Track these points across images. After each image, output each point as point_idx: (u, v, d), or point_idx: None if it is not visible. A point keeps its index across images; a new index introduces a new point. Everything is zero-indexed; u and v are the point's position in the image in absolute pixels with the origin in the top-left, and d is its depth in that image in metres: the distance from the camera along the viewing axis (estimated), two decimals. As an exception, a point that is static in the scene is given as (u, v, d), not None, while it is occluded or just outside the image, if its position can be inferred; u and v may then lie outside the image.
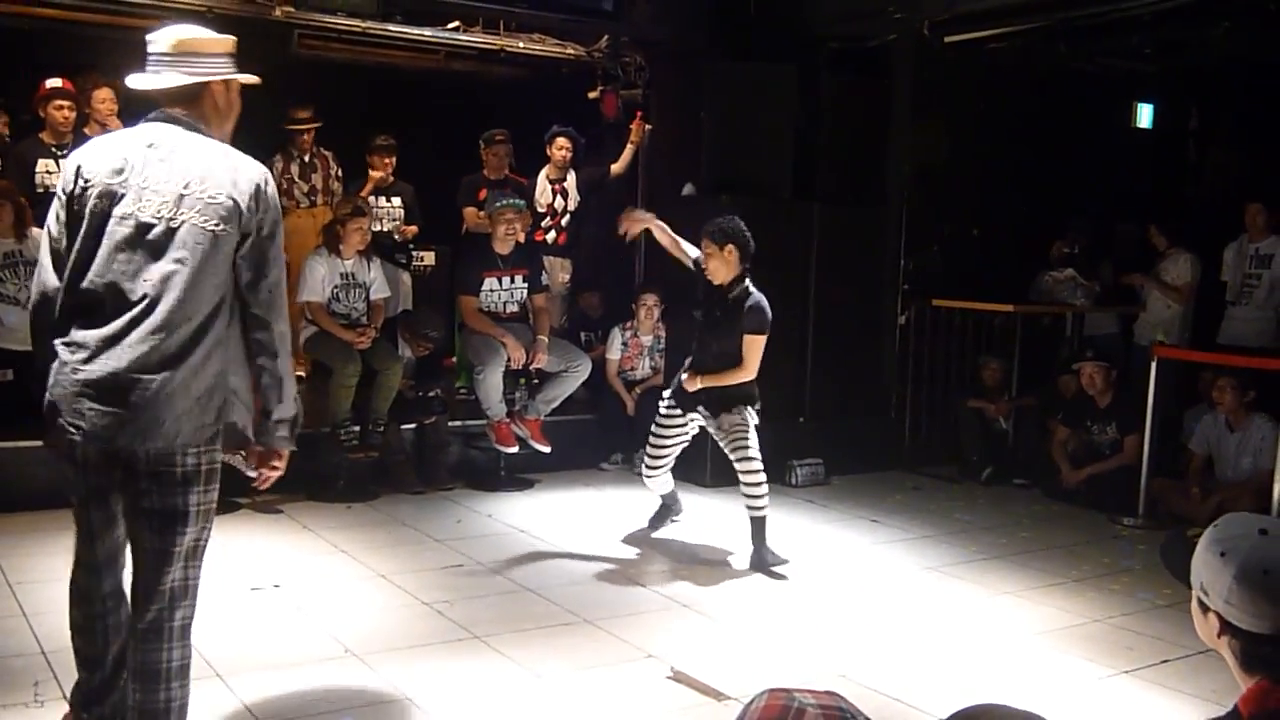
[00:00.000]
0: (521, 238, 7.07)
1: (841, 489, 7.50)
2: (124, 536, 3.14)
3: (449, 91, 9.32)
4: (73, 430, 2.92)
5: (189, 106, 3.04)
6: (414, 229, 8.11)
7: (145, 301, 2.88)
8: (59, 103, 7.05)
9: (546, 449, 7.01)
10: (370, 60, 8.93)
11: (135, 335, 2.87)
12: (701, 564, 5.66)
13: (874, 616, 4.97)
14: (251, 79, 3.17)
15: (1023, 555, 6.05)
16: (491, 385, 6.77)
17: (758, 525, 5.65)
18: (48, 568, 5.11)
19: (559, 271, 8.15)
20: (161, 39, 3.04)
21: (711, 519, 6.44)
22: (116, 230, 2.90)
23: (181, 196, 2.91)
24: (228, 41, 3.11)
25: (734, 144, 7.54)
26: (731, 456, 5.63)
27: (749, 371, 5.55)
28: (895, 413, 8.42)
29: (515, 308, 7.09)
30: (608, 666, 4.23)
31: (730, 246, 5.44)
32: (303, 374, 7.07)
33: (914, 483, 7.82)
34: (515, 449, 6.95)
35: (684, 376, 5.67)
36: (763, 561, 5.58)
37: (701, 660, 4.27)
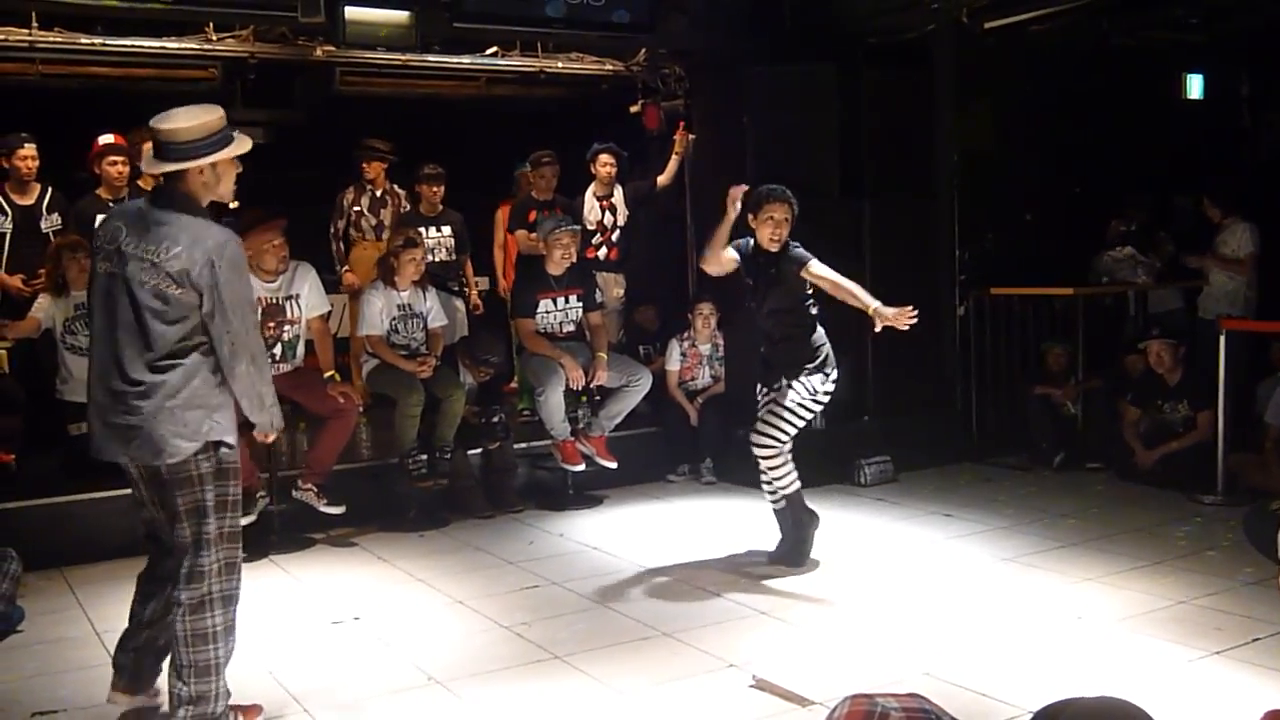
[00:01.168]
0: (574, 258, 7.11)
1: (911, 485, 7.44)
2: None
3: (492, 116, 9.41)
4: None
5: (176, 185, 3.59)
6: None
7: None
8: (112, 158, 7.22)
9: (613, 464, 7.03)
10: (412, 92, 9.04)
11: None
12: (775, 570, 5.62)
13: (954, 612, 4.92)
14: (232, 152, 3.66)
15: (1101, 540, 5.96)
16: (554, 406, 6.80)
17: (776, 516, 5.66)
18: (133, 614, 5.21)
19: (613, 287, 8.17)
20: (155, 129, 3.56)
21: (775, 525, 6.40)
22: (107, 289, 3.60)
23: (154, 264, 3.49)
24: (211, 123, 3.58)
25: (778, 146, 7.52)
26: (760, 422, 5.52)
27: (837, 277, 5.40)
28: (960, 404, 8.35)
29: (572, 327, 7.13)
30: (689, 679, 4.23)
31: (793, 212, 5.48)
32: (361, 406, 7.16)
33: (984, 474, 7.74)
34: (582, 467, 6.98)
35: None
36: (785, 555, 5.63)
37: (783, 667, 4.25)
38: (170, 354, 3.53)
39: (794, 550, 5.67)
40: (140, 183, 7.49)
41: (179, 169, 3.55)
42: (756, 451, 5.52)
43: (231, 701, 3.70)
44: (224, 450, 3.62)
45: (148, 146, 3.66)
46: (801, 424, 5.55)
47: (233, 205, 10.32)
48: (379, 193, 8.30)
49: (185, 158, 3.53)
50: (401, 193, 8.37)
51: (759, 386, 5.67)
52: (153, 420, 3.50)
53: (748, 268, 5.57)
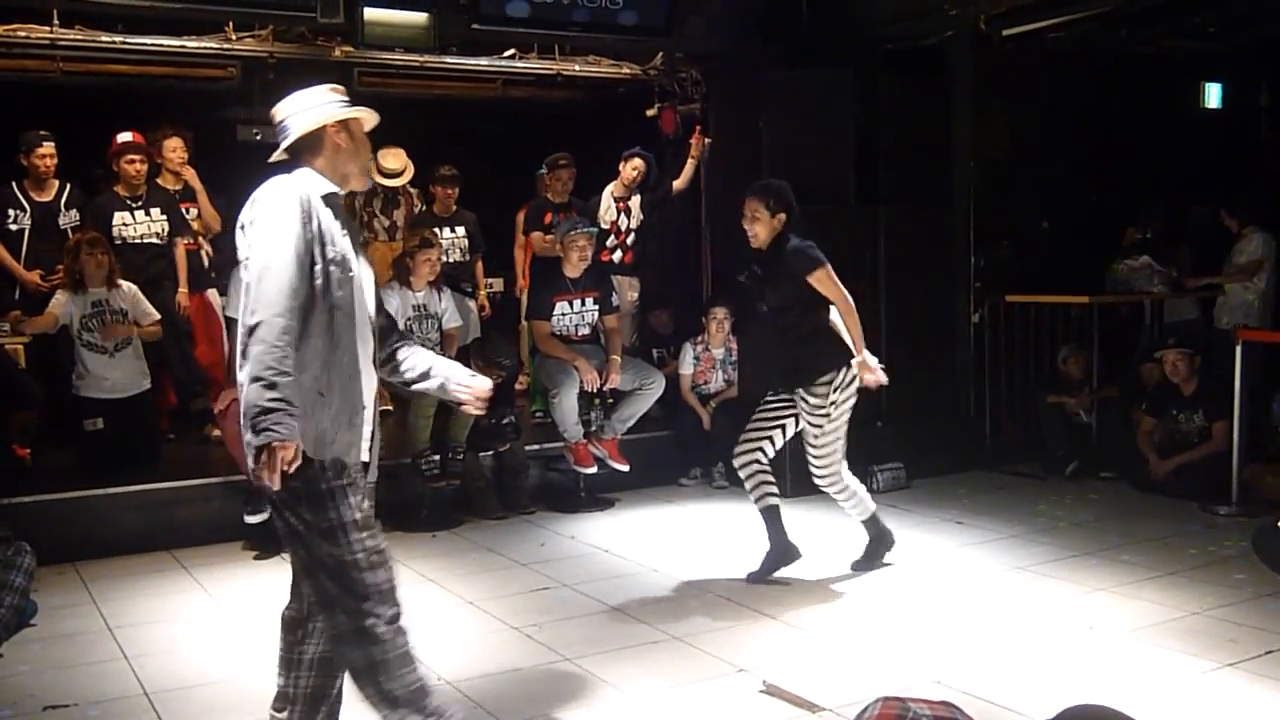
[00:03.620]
0: (590, 260, 7.11)
1: (924, 492, 7.43)
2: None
3: (508, 118, 9.42)
4: None
5: (312, 157, 3.21)
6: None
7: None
8: (130, 157, 7.26)
9: (625, 467, 7.04)
10: (430, 93, 9.06)
11: None
12: (787, 575, 5.60)
13: (966, 620, 4.91)
14: (371, 117, 3.32)
15: (1114, 550, 5.94)
16: (567, 408, 6.81)
17: (865, 525, 5.64)
18: (146, 610, 5.25)
19: (627, 290, 8.17)
20: (274, 111, 3.27)
21: (793, 529, 6.39)
22: None
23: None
24: (333, 87, 3.28)
25: (795, 152, 7.52)
26: (810, 450, 5.46)
27: (847, 301, 5.25)
28: (974, 412, 8.33)
29: (587, 330, 7.14)
30: (700, 683, 4.22)
31: (782, 215, 5.28)
32: (389, 408, 7.18)
33: (997, 482, 7.72)
34: (594, 469, 6.99)
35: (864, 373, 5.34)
36: (869, 561, 5.63)
37: (794, 672, 4.24)
38: None
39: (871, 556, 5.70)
40: (159, 180, 7.55)
41: (312, 129, 3.26)
42: (825, 487, 5.51)
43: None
44: None
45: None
46: (841, 433, 5.39)
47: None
48: (391, 193, 8.32)
49: (315, 118, 3.26)
50: (414, 191, 8.39)
51: (769, 391, 5.59)
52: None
53: (748, 275, 5.50)
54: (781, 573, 5.57)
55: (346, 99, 3.28)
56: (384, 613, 3.09)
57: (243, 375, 2.95)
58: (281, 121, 3.23)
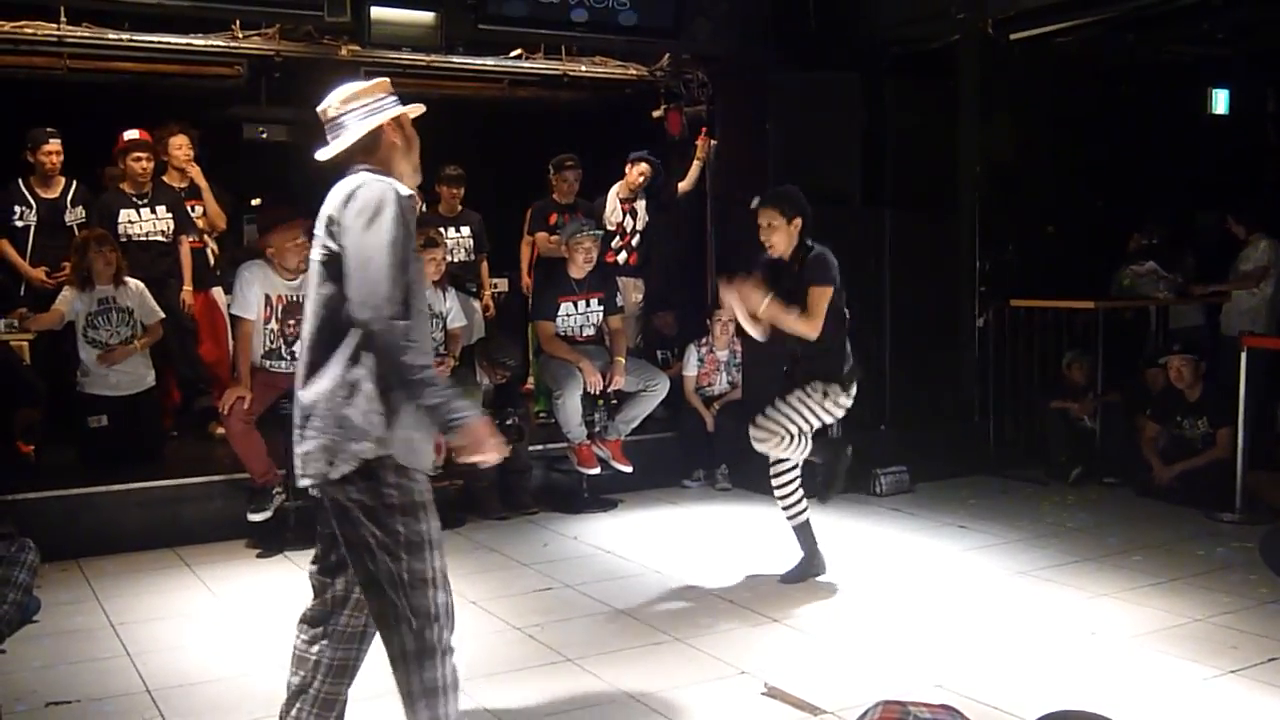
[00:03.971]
0: (595, 262, 7.11)
1: (927, 496, 7.42)
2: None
3: (514, 119, 9.41)
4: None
5: (368, 156, 3.12)
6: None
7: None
8: (137, 154, 7.26)
9: (628, 469, 7.04)
10: (436, 92, 9.05)
11: None
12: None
13: (968, 624, 4.91)
14: (418, 109, 3.26)
15: (1117, 556, 5.93)
16: (571, 409, 6.82)
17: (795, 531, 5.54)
18: (149, 607, 5.25)
19: (632, 292, 8.17)
20: (325, 108, 3.15)
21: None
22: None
23: None
24: (382, 84, 3.18)
25: (801, 154, 7.52)
26: (760, 415, 5.33)
27: (811, 323, 5.09)
28: (978, 416, 8.32)
29: (591, 331, 7.14)
30: (701, 684, 4.22)
31: (798, 220, 5.22)
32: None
33: (1001, 486, 7.71)
34: (597, 470, 6.99)
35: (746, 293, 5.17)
36: (802, 572, 5.52)
37: (796, 675, 4.24)
38: None
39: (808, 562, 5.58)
40: (165, 177, 7.55)
41: (372, 129, 3.17)
42: (757, 443, 5.33)
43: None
44: None
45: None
46: (803, 423, 5.26)
47: (255, 203, 10.43)
48: None
49: (374, 117, 3.17)
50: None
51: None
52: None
53: (769, 277, 5.33)
54: (781, 579, 5.60)
55: (395, 94, 3.20)
56: (447, 636, 3.05)
57: (369, 377, 2.95)
58: (336, 119, 3.13)
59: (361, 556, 3.02)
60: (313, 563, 3.32)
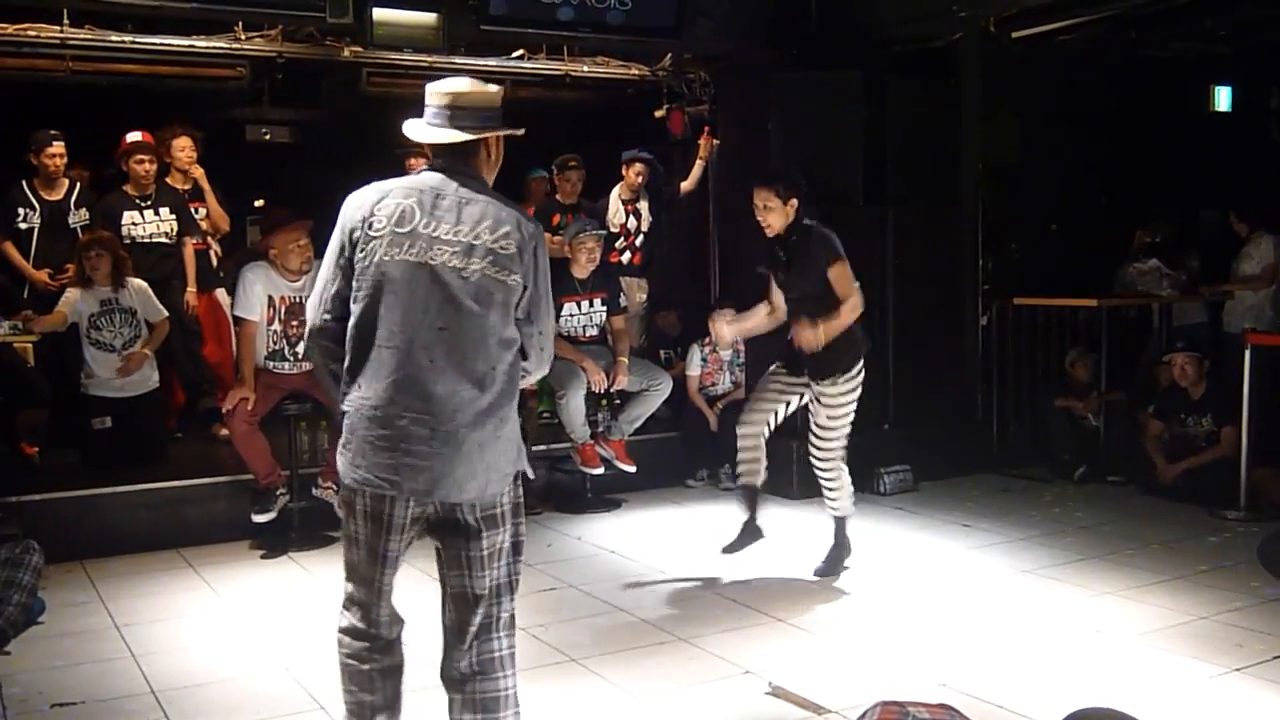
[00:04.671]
0: (599, 262, 7.12)
1: (931, 495, 7.42)
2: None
3: (517, 119, 9.40)
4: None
5: (467, 160, 3.06)
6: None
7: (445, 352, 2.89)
8: (139, 156, 7.26)
9: (632, 468, 7.04)
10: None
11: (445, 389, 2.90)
12: (793, 577, 5.61)
13: (972, 623, 4.90)
14: (517, 132, 3.18)
15: (1122, 554, 5.92)
16: (574, 409, 6.81)
17: (836, 525, 5.66)
18: (153, 608, 5.26)
19: (635, 291, 8.18)
20: (442, 92, 3.07)
21: (801, 531, 6.40)
22: (408, 279, 2.90)
23: (471, 246, 2.93)
24: (499, 95, 3.13)
25: (803, 154, 7.50)
26: (817, 432, 5.44)
27: (856, 301, 5.20)
28: (981, 415, 8.31)
29: (594, 331, 7.14)
30: (705, 684, 4.22)
31: (794, 200, 5.24)
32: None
33: (1004, 485, 7.70)
34: (601, 470, 6.99)
35: (803, 333, 5.17)
36: (833, 565, 5.61)
37: (800, 674, 4.24)
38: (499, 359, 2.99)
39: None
40: (168, 179, 7.56)
41: (479, 138, 3.05)
42: (823, 472, 5.50)
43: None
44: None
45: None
46: (850, 419, 5.40)
47: (258, 204, 10.41)
48: None
49: (484, 127, 3.06)
50: None
51: (776, 364, 5.55)
52: (476, 449, 2.92)
53: (770, 261, 5.44)
54: (787, 573, 5.61)
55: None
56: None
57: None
58: (480, 109, 3.06)
59: (498, 560, 3.11)
60: None
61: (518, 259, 2.97)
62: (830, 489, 5.58)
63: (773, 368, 5.59)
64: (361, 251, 2.95)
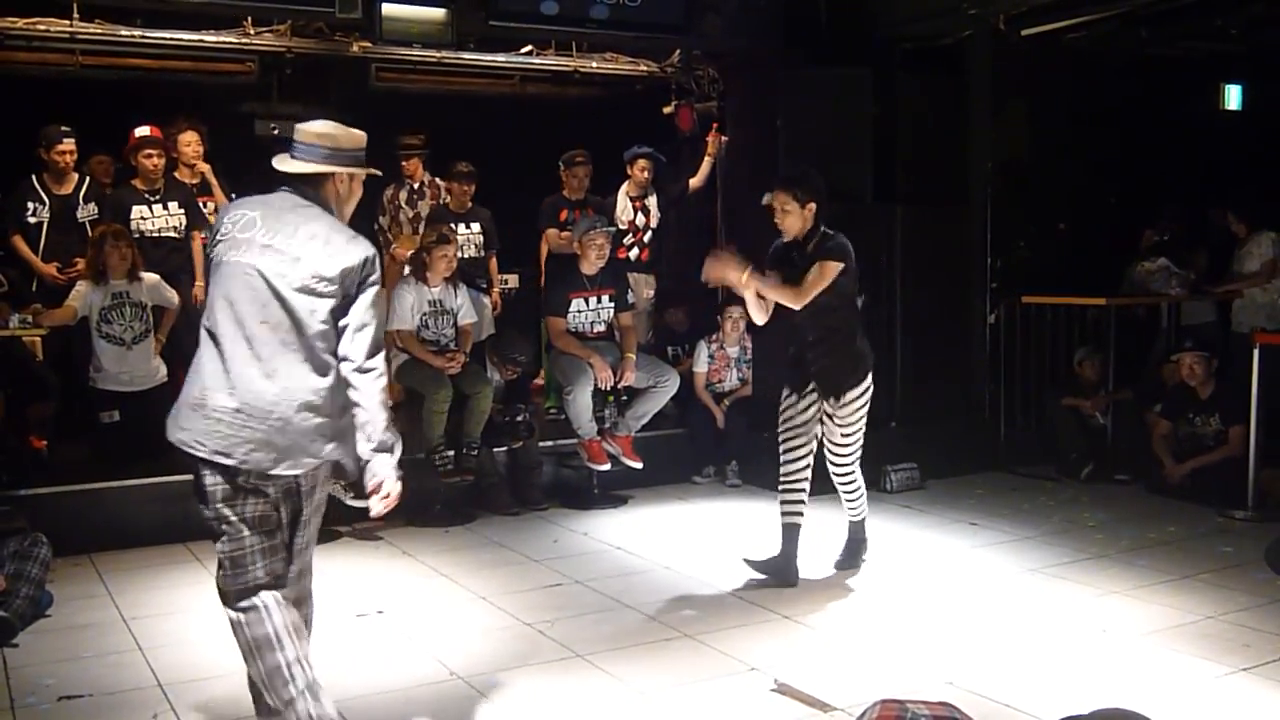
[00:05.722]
0: (607, 258, 7.12)
1: (938, 493, 7.41)
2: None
3: (525, 114, 9.42)
4: None
5: (315, 187, 3.49)
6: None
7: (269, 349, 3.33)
8: (148, 151, 7.27)
9: (638, 465, 7.04)
10: (446, 89, 9.06)
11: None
12: (800, 574, 5.61)
13: (978, 621, 4.90)
14: (373, 172, 3.64)
15: (1129, 553, 5.91)
16: (581, 405, 6.82)
17: (853, 527, 5.72)
18: (160, 602, 5.27)
19: (643, 288, 8.18)
20: (301, 129, 3.48)
21: (807, 530, 6.38)
22: (244, 281, 3.33)
23: (297, 259, 3.32)
24: (350, 138, 3.51)
25: (812, 150, 7.49)
26: (833, 448, 5.46)
27: (800, 295, 5.07)
28: (989, 413, 8.30)
29: (602, 327, 7.14)
30: (711, 681, 4.23)
31: (812, 205, 5.16)
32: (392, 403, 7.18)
33: (1011, 484, 7.70)
34: (607, 466, 7.00)
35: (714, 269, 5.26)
36: (853, 558, 5.69)
37: (805, 671, 4.24)
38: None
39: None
40: (176, 173, 7.58)
41: (327, 170, 3.46)
42: (842, 481, 5.55)
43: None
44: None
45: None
46: (864, 428, 5.43)
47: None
48: (417, 185, 8.36)
49: (333, 164, 3.46)
50: (442, 185, 8.38)
51: (784, 390, 5.43)
52: (300, 429, 3.39)
53: (777, 261, 5.33)
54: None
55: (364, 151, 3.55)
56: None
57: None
58: (325, 148, 3.44)
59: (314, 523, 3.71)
60: None
61: (337, 276, 3.33)
62: (851, 498, 5.62)
63: (785, 404, 5.40)
64: (212, 254, 3.44)
